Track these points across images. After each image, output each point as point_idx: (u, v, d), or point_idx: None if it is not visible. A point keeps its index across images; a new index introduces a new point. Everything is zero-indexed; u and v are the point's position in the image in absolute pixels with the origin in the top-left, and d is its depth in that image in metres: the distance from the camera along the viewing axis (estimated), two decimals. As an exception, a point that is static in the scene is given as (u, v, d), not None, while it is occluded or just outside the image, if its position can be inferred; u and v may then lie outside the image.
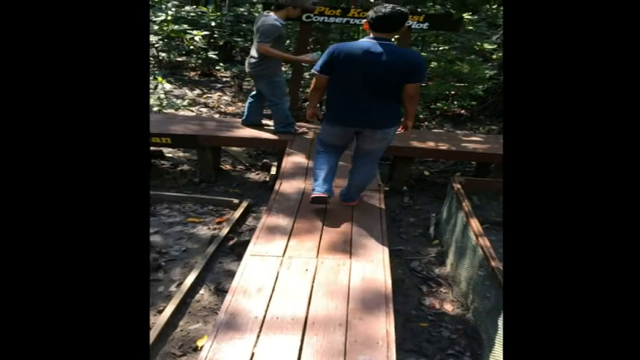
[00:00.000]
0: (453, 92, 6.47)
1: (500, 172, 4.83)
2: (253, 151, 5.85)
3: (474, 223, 3.31)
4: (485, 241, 3.08)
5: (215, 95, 7.81)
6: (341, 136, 3.35)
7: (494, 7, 7.74)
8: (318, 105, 3.60)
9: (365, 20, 3.08)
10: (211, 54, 8.49)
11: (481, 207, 4.51)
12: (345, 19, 5.09)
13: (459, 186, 3.93)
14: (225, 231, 3.84)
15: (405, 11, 3.05)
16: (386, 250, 3.04)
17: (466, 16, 6.59)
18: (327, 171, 3.44)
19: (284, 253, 2.96)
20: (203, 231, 3.94)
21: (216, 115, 6.78)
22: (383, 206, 3.63)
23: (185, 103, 6.93)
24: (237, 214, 4.13)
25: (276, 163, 5.19)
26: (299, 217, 3.39)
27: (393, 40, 3.09)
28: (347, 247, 3.06)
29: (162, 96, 6.62)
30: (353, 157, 3.52)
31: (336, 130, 3.32)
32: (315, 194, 3.35)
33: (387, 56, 2.97)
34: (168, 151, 5.59)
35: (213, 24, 7.84)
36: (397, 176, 5.02)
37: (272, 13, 4.39)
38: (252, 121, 5.11)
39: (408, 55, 3.05)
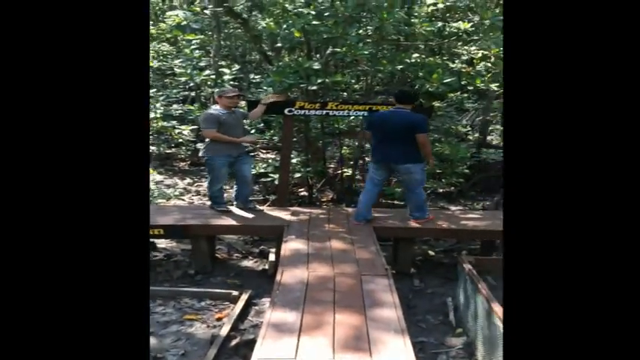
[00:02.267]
0: (439, 171, 6.24)
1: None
2: (249, 238, 5.38)
3: (498, 309, 2.86)
4: (515, 329, 2.62)
5: (206, 183, 7.43)
6: (380, 169, 4.60)
7: (458, 94, 7.84)
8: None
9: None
10: (199, 145, 8.25)
11: (498, 287, 4.04)
12: (324, 112, 5.16)
13: (469, 267, 3.51)
14: (226, 329, 3.29)
15: (410, 91, 4.77)
16: (408, 344, 2.55)
17: (435, 103, 6.68)
18: (367, 200, 4.65)
19: (296, 354, 2.45)
20: (202, 330, 3.39)
21: (208, 203, 6.34)
22: (395, 292, 3.16)
23: (176, 192, 6.52)
24: (238, 308, 3.60)
25: (274, 250, 4.72)
26: (307, 311, 2.90)
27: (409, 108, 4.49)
28: (364, 344, 2.56)
29: (154, 187, 6.22)
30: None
31: (377, 165, 4.61)
32: (354, 222, 4.61)
33: (398, 118, 4.39)
34: (160, 242, 5.08)
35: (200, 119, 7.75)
36: (402, 258, 4.59)
37: (215, 106, 4.82)
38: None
39: (411, 116, 4.43)
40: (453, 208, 6.21)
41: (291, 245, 3.96)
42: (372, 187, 4.66)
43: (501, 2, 6.79)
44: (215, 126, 4.56)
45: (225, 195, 5.11)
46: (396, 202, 6.10)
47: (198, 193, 6.91)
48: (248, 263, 4.79)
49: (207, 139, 4.71)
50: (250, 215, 4.76)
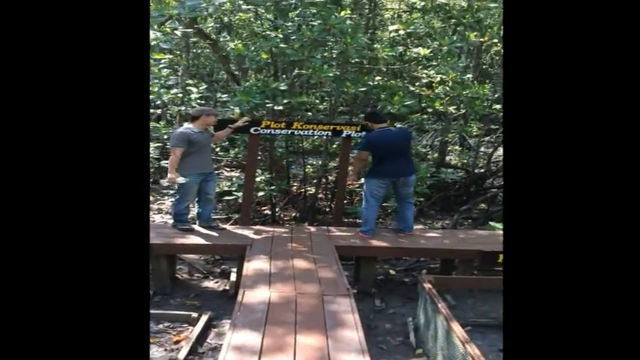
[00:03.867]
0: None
1: (466, 267, 4.44)
2: (211, 257, 5.21)
3: (457, 328, 2.83)
4: (473, 349, 2.59)
5: (168, 201, 7.22)
6: (385, 185, 4.73)
7: (418, 116, 7.97)
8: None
9: (365, 123, 4.98)
10: (164, 163, 8.03)
11: (457, 307, 4.02)
12: (289, 131, 5.16)
13: (429, 285, 3.47)
14: (184, 352, 3.15)
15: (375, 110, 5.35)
16: (370, 366, 2.47)
17: (396, 124, 6.76)
18: (375, 216, 4.87)
19: (256, 378, 2.34)
20: (159, 353, 3.23)
21: (170, 221, 6.14)
22: (356, 313, 3.08)
23: (138, 210, 6.27)
24: (197, 330, 3.45)
25: (235, 269, 4.57)
26: (268, 332, 2.80)
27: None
28: (326, 367, 2.47)
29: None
30: (397, 202, 4.98)
31: (383, 182, 4.70)
32: (368, 235, 4.70)
33: (398, 134, 4.83)
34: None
35: (165, 137, 7.54)
36: (364, 277, 4.52)
37: (188, 124, 4.64)
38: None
39: (404, 130, 5.19)
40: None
41: (254, 265, 3.84)
42: (376, 202, 4.79)
43: (459, 29, 6.96)
44: (184, 145, 4.41)
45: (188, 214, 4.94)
46: (357, 220, 6.07)
47: (160, 211, 6.69)
48: (209, 283, 4.62)
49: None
50: (213, 234, 4.61)
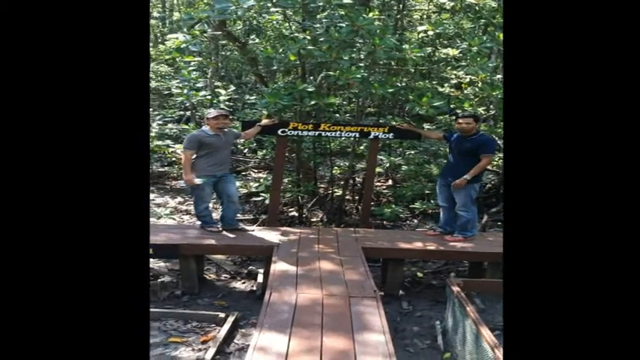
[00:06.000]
0: (428, 192, 6.17)
1: (495, 270, 4.35)
2: (238, 258, 5.24)
3: (486, 333, 2.76)
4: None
5: (197, 202, 7.31)
6: None
7: (446, 116, 7.87)
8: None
9: (473, 121, 4.61)
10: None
11: (487, 311, 3.94)
12: (317, 132, 5.15)
13: (458, 289, 3.41)
14: (211, 352, 3.16)
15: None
16: (396, 370, 2.43)
17: (425, 125, 6.70)
18: None
19: (282, 380, 2.33)
20: (187, 353, 3.24)
21: (199, 222, 6.21)
22: (383, 316, 3.04)
23: (167, 211, 6.38)
24: (224, 330, 3.46)
25: (262, 270, 4.59)
26: (294, 334, 2.78)
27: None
28: (353, 370, 2.44)
29: (145, 205, 6.07)
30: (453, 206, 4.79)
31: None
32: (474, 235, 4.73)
33: None
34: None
35: (195, 138, 7.68)
36: (390, 279, 4.47)
37: (204, 127, 4.70)
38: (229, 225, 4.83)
39: None
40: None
41: (280, 266, 3.84)
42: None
43: (489, 29, 6.85)
44: (193, 146, 4.46)
45: (215, 215, 4.98)
46: (385, 222, 6.01)
47: (188, 212, 6.78)
48: (236, 284, 4.65)
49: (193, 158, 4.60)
50: (241, 235, 4.62)
